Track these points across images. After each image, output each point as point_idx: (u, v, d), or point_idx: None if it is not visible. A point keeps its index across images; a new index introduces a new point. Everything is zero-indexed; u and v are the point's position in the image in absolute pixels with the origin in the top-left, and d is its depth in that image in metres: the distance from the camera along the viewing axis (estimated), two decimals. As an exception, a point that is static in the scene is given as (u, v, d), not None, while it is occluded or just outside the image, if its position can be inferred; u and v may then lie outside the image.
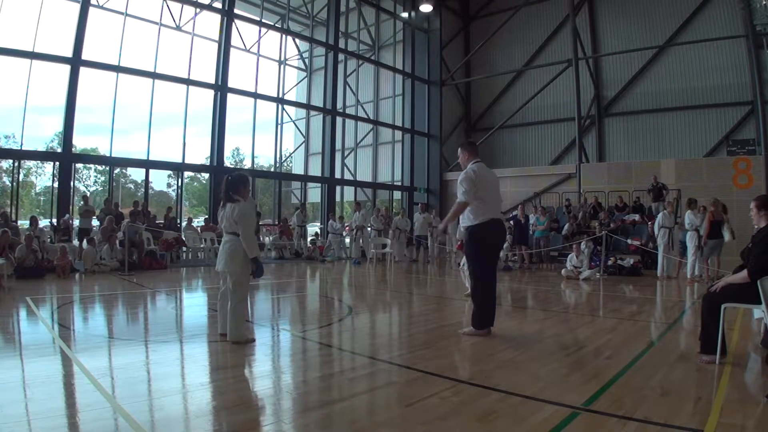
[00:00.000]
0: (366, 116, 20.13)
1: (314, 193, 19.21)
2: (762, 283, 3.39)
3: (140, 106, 14.35)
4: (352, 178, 19.42)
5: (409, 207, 19.77)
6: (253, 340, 4.41)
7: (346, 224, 15.41)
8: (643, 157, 17.56)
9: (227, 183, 4.39)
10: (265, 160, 20.80)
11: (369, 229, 14.51)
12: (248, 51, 16.81)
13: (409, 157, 21.05)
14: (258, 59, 16.97)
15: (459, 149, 5.03)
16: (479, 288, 4.72)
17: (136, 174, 18.63)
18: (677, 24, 17.27)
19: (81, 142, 17.56)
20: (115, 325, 5.46)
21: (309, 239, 15.34)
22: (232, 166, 20.88)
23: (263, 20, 17.56)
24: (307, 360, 4.07)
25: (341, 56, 18.44)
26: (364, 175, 20.35)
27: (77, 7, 12.06)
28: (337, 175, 18.27)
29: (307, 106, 19.12)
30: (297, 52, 20.01)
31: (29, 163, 17.18)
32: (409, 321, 5.88)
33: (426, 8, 20.38)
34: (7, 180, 15.36)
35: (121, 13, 13.46)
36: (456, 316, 5.96)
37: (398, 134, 21.00)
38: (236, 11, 15.52)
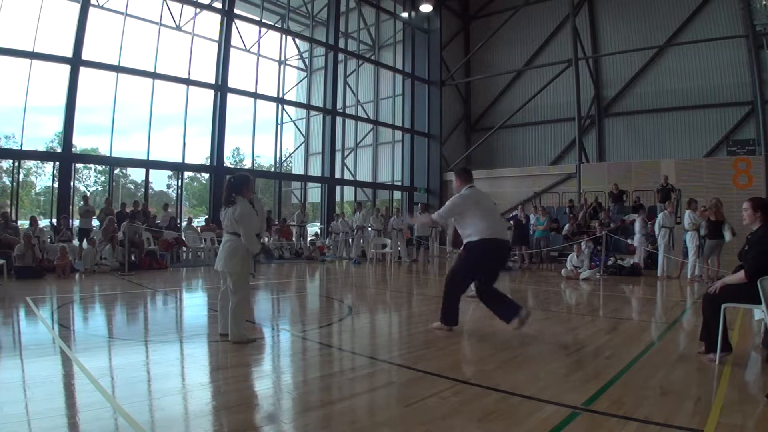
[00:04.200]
0: (366, 116, 20.12)
1: (314, 193, 19.20)
2: (762, 283, 3.39)
3: (140, 106, 14.37)
4: (352, 178, 19.42)
5: (409, 207, 19.77)
6: (254, 340, 4.41)
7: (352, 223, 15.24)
8: (643, 157, 17.55)
9: (229, 185, 4.40)
10: (265, 160, 20.82)
11: (369, 229, 14.49)
12: (248, 51, 16.82)
13: (409, 157, 21.06)
14: (258, 59, 16.99)
15: (454, 175, 5.18)
16: (454, 288, 4.88)
17: (136, 174, 18.62)
18: (677, 24, 17.27)
19: (81, 142, 17.50)
20: (115, 325, 5.46)
21: (309, 239, 15.33)
22: (232, 166, 20.87)
23: (263, 20, 17.56)
24: (307, 360, 4.07)
25: (341, 56, 18.44)
26: (364, 175, 20.35)
27: (77, 7, 12.06)
28: (337, 175, 18.27)
29: (307, 106, 19.11)
30: (297, 52, 20.02)
31: (29, 163, 17.15)
32: (409, 321, 5.88)
33: (426, 8, 20.38)
34: (7, 180, 15.34)
35: (121, 13, 13.46)
36: (456, 316, 5.94)
37: (398, 134, 21.01)
38: (236, 11, 15.52)
